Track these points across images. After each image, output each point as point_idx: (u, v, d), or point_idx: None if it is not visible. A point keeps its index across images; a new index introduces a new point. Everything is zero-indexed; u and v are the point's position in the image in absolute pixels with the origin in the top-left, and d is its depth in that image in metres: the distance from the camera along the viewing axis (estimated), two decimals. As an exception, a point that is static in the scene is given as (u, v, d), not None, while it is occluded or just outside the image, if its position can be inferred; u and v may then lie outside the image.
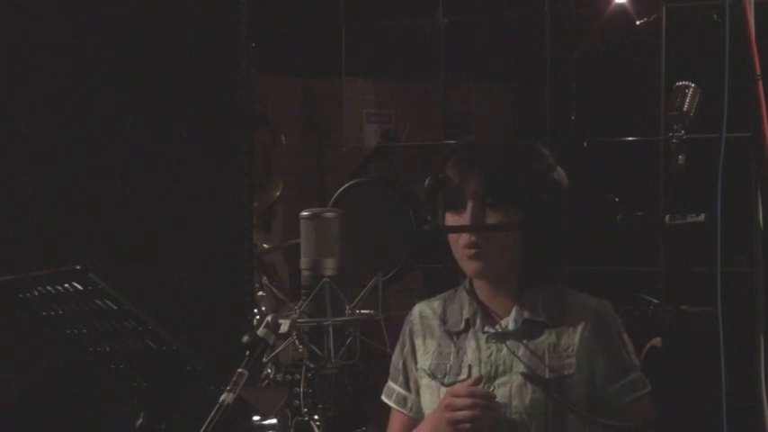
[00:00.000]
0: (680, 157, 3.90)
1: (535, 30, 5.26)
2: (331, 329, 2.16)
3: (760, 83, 1.84)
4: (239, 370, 1.96)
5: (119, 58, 2.99)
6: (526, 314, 2.38)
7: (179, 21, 3.09)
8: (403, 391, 2.51)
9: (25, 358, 2.78)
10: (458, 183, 2.37)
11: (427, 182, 2.40)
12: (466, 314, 2.44)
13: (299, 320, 2.12)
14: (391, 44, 6.01)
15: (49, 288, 2.07)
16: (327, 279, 2.16)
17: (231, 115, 3.20)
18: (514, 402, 2.33)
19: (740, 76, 1.85)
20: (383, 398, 2.56)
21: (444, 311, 2.49)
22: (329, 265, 2.18)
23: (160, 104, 3.04)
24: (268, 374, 3.87)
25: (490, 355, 2.38)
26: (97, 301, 2.04)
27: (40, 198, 2.85)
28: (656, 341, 4.09)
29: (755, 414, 1.95)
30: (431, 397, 2.43)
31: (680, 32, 4.78)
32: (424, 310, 2.53)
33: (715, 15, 4.31)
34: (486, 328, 2.40)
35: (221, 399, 1.92)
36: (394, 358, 2.54)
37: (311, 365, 2.18)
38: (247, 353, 1.99)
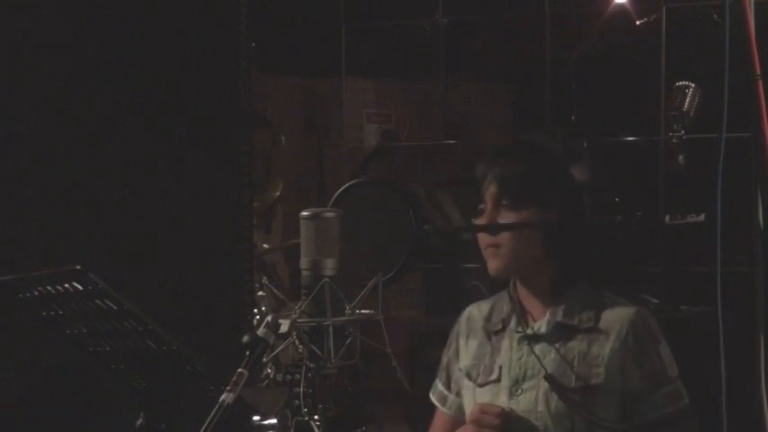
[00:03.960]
0: (680, 157, 3.91)
1: (535, 30, 5.26)
2: (331, 329, 2.16)
3: (760, 83, 1.84)
4: (239, 370, 1.96)
5: (119, 58, 2.99)
6: (559, 317, 2.35)
7: (179, 21, 3.09)
8: (444, 390, 2.54)
9: (25, 358, 2.78)
10: (478, 186, 2.40)
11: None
12: (503, 314, 2.44)
13: (299, 320, 2.12)
14: (391, 44, 6.00)
15: (49, 288, 2.07)
16: (327, 279, 2.16)
17: (231, 115, 3.20)
18: (539, 408, 2.31)
19: (740, 76, 1.85)
20: (430, 393, 2.58)
21: (491, 311, 2.48)
22: (329, 265, 2.18)
23: (160, 104, 3.04)
24: (268, 374, 3.87)
25: (520, 357, 2.36)
26: (97, 301, 2.04)
27: (40, 198, 2.85)
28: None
29: (755, 414, 1.95)
30: (467, 397, 2.44)
31: (680, 32, 4.78)
32: (472, 312, 2.52)
33: (715, 15, 4.31)
34: (519, 329, 2.39)
35: (221, 399, 1.92)
36: (442, 356, 2.56)
37: (311, 365, 2.18)
38: (247, 353, 1.99)
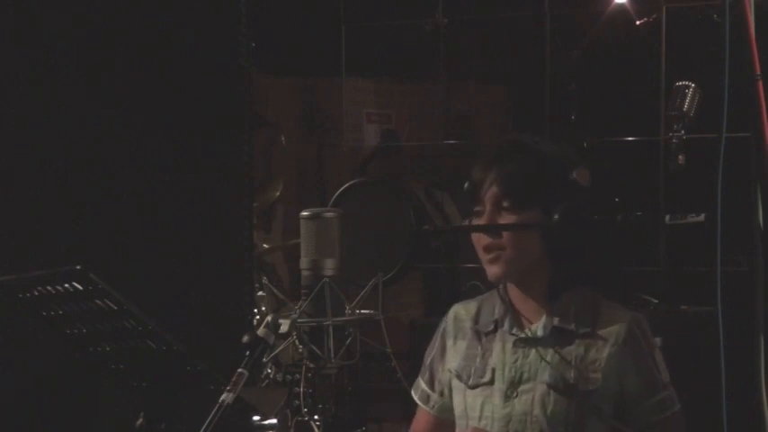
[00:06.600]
0: (680, 157, 3.91)
1: (535, 30, 5.26)
2: (331, 329, 2.16)
3: (760, 83, 1.84)
4: (239, 370, 1.96)
5: (119, 58, 2.99)
6: (556, 321, 2.33)
7: (179, 21, 3.09)
8: (427, 389, 2.50)
9: (25, 358, 2.78)
10: (477, 188, 2.35)
11: (465, 186, 2.38)
12: (495, 315, 2.41)
13: (299, 320, 2.13)
14: (391, 44, 6.01)
15: (49, 288, 2.07)
16: (327, 279, 2.16)
17: (231, 115, 3.20)
18: (535, 412, 2.29)
19: (740, 76, 1.85)
20: (411, 391, 2.55)
21: (479, 312, 2.45)
22: (329, 265, 2.19)
23: (160, 104, 3.05)
24: (268, 374, 3.87)
25: (516, 360, 2.34)
26: (97, 301, 2.04)
27: (40, 198, 2.85)
28: (656, 341, 4.09)
29: (755, 414, 1.95)
30: (458, 398, 2.42)
31: (680, 32, 4.78)
32: (459, 312, 2.49)
33: (715, 15, 4.31)
34: (514, 331, 2.36)
35: (221, 399, 1.92)
36: (425, 355, 2.53)
37: (311, 365, 2.18)
38: (247, 353, 2.00)
